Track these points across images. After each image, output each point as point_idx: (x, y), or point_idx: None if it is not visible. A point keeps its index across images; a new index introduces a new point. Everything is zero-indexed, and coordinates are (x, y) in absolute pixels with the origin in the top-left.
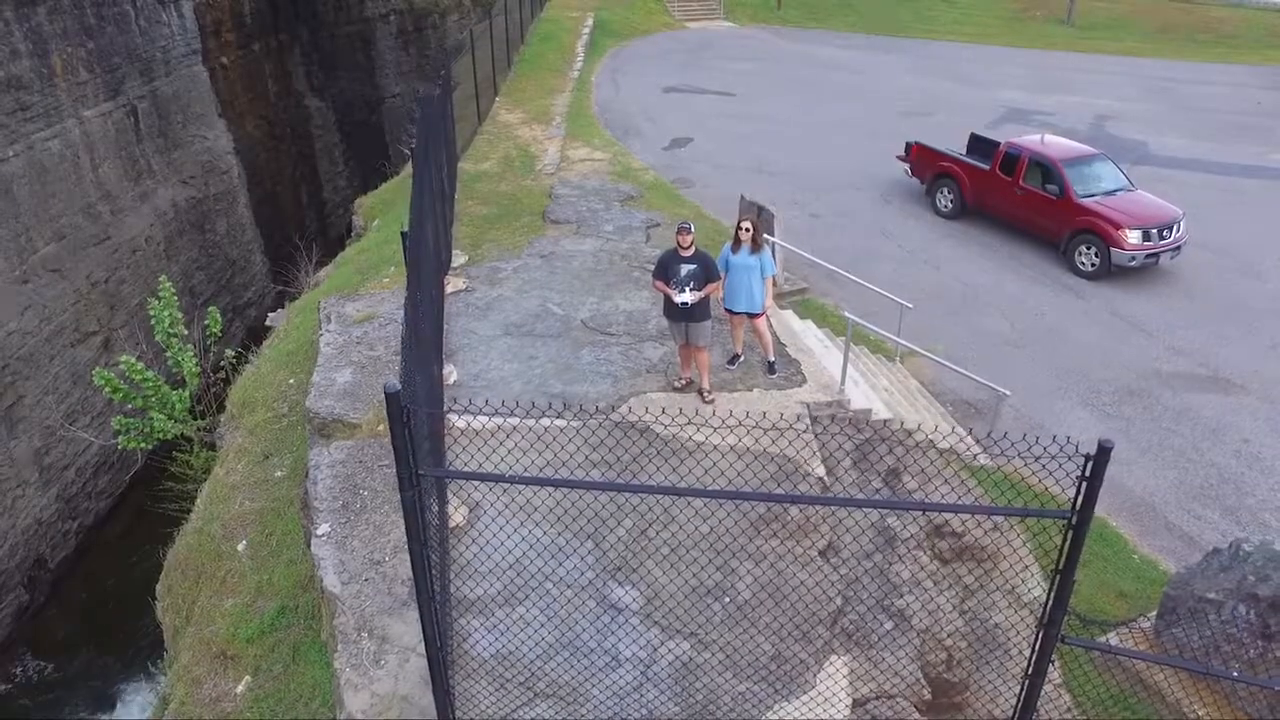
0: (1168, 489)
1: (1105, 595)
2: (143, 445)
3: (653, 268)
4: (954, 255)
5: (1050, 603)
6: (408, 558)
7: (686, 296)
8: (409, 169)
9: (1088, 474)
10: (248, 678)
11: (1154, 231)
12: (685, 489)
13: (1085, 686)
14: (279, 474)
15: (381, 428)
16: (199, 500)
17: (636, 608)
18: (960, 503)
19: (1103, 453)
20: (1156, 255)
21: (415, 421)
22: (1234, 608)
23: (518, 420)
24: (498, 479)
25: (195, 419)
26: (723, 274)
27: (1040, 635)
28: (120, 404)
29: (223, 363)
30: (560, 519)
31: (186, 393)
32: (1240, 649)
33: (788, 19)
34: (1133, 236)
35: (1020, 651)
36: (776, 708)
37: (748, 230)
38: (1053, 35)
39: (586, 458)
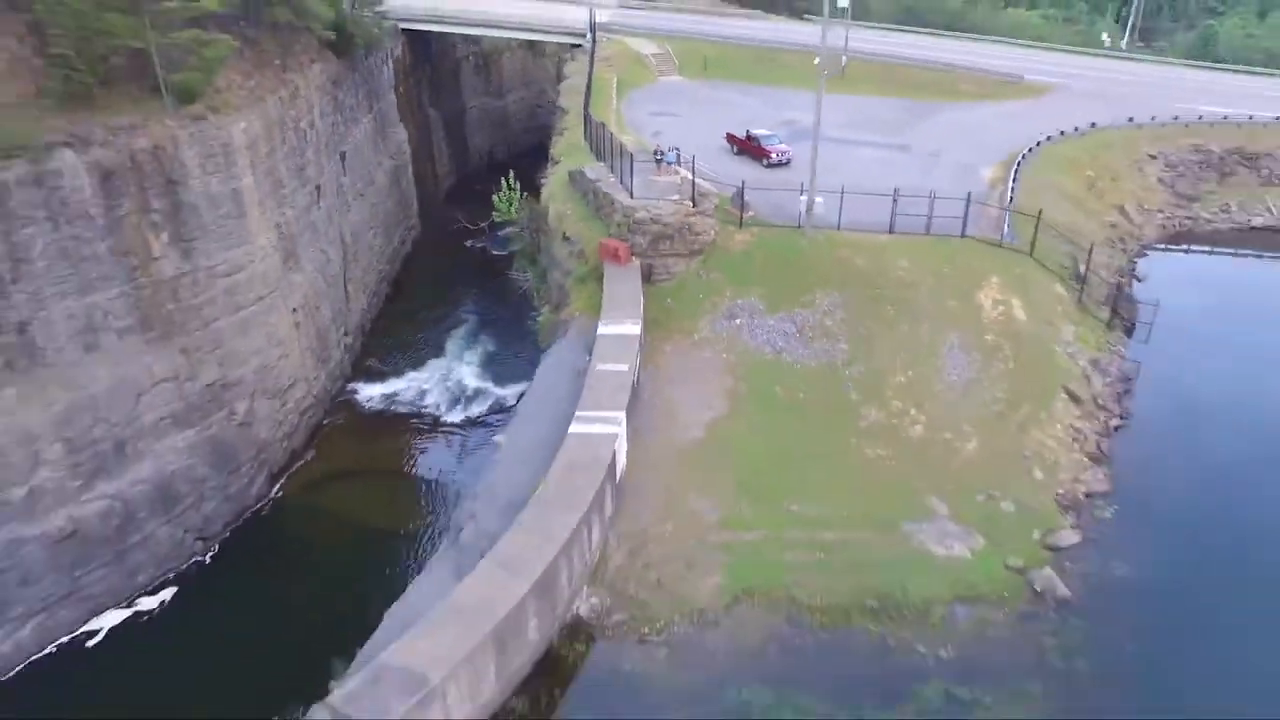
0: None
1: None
2: (504, 217)
3: (653, 159)
4: (734, 165)
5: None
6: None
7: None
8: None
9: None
10: None
11: (781, 151)
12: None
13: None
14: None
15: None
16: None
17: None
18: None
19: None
20: (782, 161)
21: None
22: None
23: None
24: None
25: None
26: (664, 155)
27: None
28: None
29: (516, 206)
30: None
31: (515, 207)
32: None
33: (712, 76)
34: (774, 155)
35: None
36: None
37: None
38: (832, 84)
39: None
